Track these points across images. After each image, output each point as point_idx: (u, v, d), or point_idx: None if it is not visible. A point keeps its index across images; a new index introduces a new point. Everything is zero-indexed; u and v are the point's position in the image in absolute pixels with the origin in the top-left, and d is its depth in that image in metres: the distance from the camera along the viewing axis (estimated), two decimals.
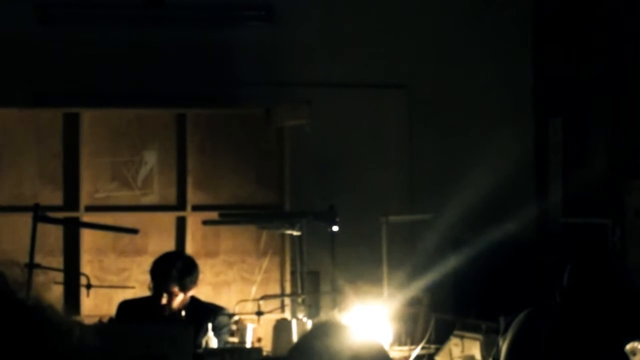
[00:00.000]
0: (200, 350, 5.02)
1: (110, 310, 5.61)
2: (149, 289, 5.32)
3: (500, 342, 4.19)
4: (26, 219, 5.58)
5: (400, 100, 7.45)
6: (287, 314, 6.01)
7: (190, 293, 5.34)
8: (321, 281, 6.62)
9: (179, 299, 5.26)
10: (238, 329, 5.54)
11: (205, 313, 5.30)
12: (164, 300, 5.21)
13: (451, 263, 6.87)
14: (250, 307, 5.76)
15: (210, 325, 5.16)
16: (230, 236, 6.58)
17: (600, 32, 6.82)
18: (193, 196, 6.59)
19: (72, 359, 1.04)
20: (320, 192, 6.94)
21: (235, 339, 5.54)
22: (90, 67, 7.08)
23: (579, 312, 4.00)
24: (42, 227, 5.57)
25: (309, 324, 5.32)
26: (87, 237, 6.44)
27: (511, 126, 7.48)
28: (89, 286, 5.39)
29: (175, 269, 5.25)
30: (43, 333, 1.02)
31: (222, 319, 5.34)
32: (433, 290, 6.38)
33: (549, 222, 7.33)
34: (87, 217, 6.45)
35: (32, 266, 5.05)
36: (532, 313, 4.15)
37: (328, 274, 6.00)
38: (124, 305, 5.45)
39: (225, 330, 5.34)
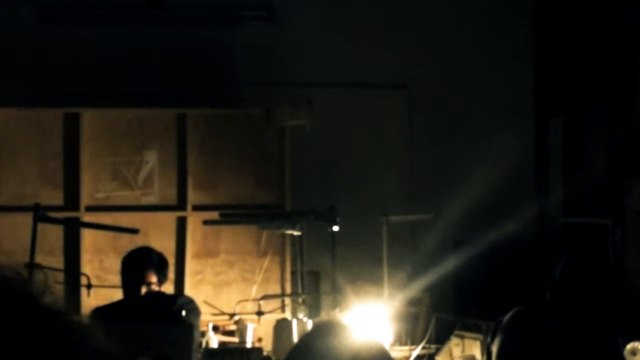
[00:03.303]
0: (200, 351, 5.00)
1: None
2: (122, 285, 5.23)
3: (491, 347, 4.17)
4: (26, 218, 5.58)
5: (400, 100, 7.45)
6: (287, 314, 6.02)
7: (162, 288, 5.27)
8: (321, 281, 6.62)
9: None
10: (238, 329, 5.54)
11: (167, 301, 5.25)
12: (143, 291, 5.12)
13: (451, 263, 6.87)
14: (251, 307, 5.77)
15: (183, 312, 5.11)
16: (231, 236, 6.58)
17: (600, 32, 6.82)
18: (193, 196, 6.59)
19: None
20: (320, 192, 6.94)
21: (235, 339, 5.55)
22: (90, 67, 7.08)
23: (570, 308, 4.01)
24: (42, 227, 5.57)
25: (309, 324, 5.32)
26: (88, 237, 6.44)
27: (511, 126, 7.48)
28: (89, 286, 5.39)
29: (154, 257, 5.20)
30: (65, 340, 1.02)
31: (180, 301, 5.25)
32: (433, 290, 6.38)
33: (549, 222, 7.33)
34: (87, 217, 6.45)
35: (32, 266, 5.04)
36: (520, 314, 4.14)
37: (328, 274, 6.00)
38: (98, 312, 5.38)
39: (187, 311, 5.22)
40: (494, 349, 4.11)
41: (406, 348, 5.65)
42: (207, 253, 6.54)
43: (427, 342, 5.64)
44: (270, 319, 5.58)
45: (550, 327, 4.01)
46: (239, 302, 5.70)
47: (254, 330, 5.43)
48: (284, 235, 6.40)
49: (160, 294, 5.30)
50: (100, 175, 6.55)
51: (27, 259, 5.11)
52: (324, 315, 5.81)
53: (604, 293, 4.06)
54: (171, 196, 6.63)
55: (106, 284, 6.09)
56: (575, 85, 7.08)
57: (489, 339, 4.22)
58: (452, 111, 7.51)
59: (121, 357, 1.07)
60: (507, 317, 4.13)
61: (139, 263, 5.16)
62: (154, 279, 5.16)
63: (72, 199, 6.48)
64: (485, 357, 4.24)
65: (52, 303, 1.03)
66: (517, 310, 4.14)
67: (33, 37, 7.06)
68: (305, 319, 5.41)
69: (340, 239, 5.68)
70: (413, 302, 6.14)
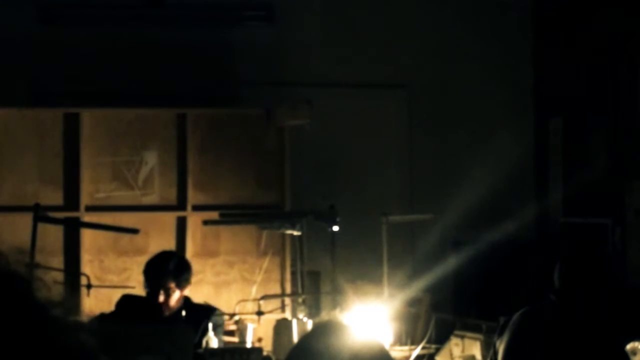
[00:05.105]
0: (200, 351, 5.02)
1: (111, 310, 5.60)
2: (144, 288, 5.33)
3: (497, 344, 4.19)
4: (26, 218, 5.58)
5: (400, 100, 7.45)
6: (287, 314, 6.01)
7: (185, 292, 5.34)
8: (321, 281, 6.62)
9: (176, 296, 5.25)
10: (238, 329, 5.54)
11: (200, 313, 5.31)
12: (162, 298, 5.22)
13: (451, 263, 6.87)
14: (251, 307, 5.76)
15: (210, 325, 5.17)
16: (231, 236, 6.58)
17: (600, 32, 6.82)
18: (193, 196, 6.59)
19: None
20: (320, 192, 6.94)
21: (235, 339, 5.55)
22: (91, 67, 7.09)
23: (573, 310, 4.01)
24: (42, 227, 5.57)
25: (309, 324, 5.32)
26: (88, 237, 6.43)
27: (511, 126, 7.48)
28: (89, 286, 5.39)
29: (171, 264, 5.30)
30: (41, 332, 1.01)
31: (218, 319, 5.35)
32: (433, 290, 6.38)
33: (549, 222, 7.33)
34: (87, 217, 6.44)
35: (32, 266, 5.04)
36: (528, 313, 4.15)
37: (328, 274, 6.00)
38: (126, 300, 5.43)
39: (220, 330, 5.35)
40: (501, 347, 4.12)
41: (406, 348, 5.65)
42: (207, 253, 6.54)
43: (427, 342, 5.63)
44: (270, 319, 5.58)
45: (556, 328, 4.01)
46: (239, 302, 5.70)
47: (254, 330, 5.42)
48: (284, 235, 6.40)
49: (188, 303, 5.34)
50: (100, 175, 6.55)
51: (27, 259, 5.10)
52: (324, 315, 5.81)
53: (607, 293, 4.06)
54: (171, 196, 6.63)
55: (106, 284, 6.09)
56: (575, 85, 7.08)
57: (495, 338, 4.23)
58: (452, 111, 7.51)
59: (101, 350, 1.06)
60: (515, 317, 4.14)
61: (156, 271, 5.28)
62: (171, 285, 5.24)
63: (72, 199, 6.48)
64: (491, 355, 4.24)
65: (37, 295, 1.03)
66: (525, 310, 4.15)
67: (33, 37, 7.06)
68: (305, 319, 5.41)
69: (340, 239, 5.68)
70: (413, 302, 6.14)
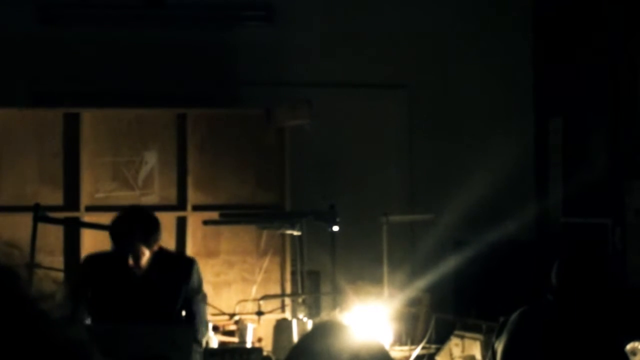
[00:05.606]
0: (200, 350, 4.99)
1: None
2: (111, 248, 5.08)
3: (496, 344, 4.19)
4: (26, 219, 5.58)
5: (400, 100, 7.45)
6: (287, 314, 6.02)
7: (155, 247, 5.06)
8: (321, 281, 6.62)
9: (146, 256, 4.98)
10: (238, 329, 5.54)
11: (179, 264, 5.17)
12: (131, 262, 4.94)
13: (451, 263, 6.87)
14: (251, 307, 5.77)
15: (195, 275, 5.08)
16: (231, 236, 6.58)
17: (600, 32, 6.82)
18: (193, 196, 6.59)
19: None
20: (320, 192, 6.94)
21: (235, 339, 5.55)
22: (91, 67, 7.09)
23: (572, 310, 4.01)
24: (42, 227, 5.56)
25: (309, 324, 5.32)
26: (88, 237, 6.43)
27: (511, 126, 7.48)
28: None
29: (139, 228, 4.98)
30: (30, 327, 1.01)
31: (195, 274, 5.15)
32: (433, 290, 6.38)
33: (549, 222, 7.33)
34: (87, 217, 6.44)
35: (32, 266, 5.03)
36: (526, 313, 4.15)
37: (328, 274, 6.00)
38: (91, 260, 5.26)
39: (200, 281, 5.20)
40: (499, 348, 4.12)
41: (406, 348, 5.65)
42: (207, 253, 6.54)
43: (427, 342, 5.64)
44: (270, 319, 5.58)
45: (555, 328, 4.01)
46: (239, 302, 5.70)
47: (254, 330, 5.43)
48: (284, 235, 6.40)
49: (162, 254, 5.11)
50: (100, 175, 6.55)
51: (19, 253, 5.08)
52: (324, 315, 5.81)
53: (606, 292, 4.06)
54: (171, 196, 6.63)
55: None
56: (575, 85, 7.08)
57: (494, 338, 4.23)
58: (452, 111, 7.51)
59: (98, 350, 1.06)
60: (512, 317, 4.14)
61: (124, 236, 4.97)
62: (141, 247, 4.98)
63: (72, 199, 6.48)
64: (489, 356, 4.24)
65: (27, 289, 1.03)
66: (523, 310, 4.15)
67: (33, 37, 7.06)
68: (305, 319, 5.41)
69: (340, 239, 5.68)
70: (413, 302, 6.14)
